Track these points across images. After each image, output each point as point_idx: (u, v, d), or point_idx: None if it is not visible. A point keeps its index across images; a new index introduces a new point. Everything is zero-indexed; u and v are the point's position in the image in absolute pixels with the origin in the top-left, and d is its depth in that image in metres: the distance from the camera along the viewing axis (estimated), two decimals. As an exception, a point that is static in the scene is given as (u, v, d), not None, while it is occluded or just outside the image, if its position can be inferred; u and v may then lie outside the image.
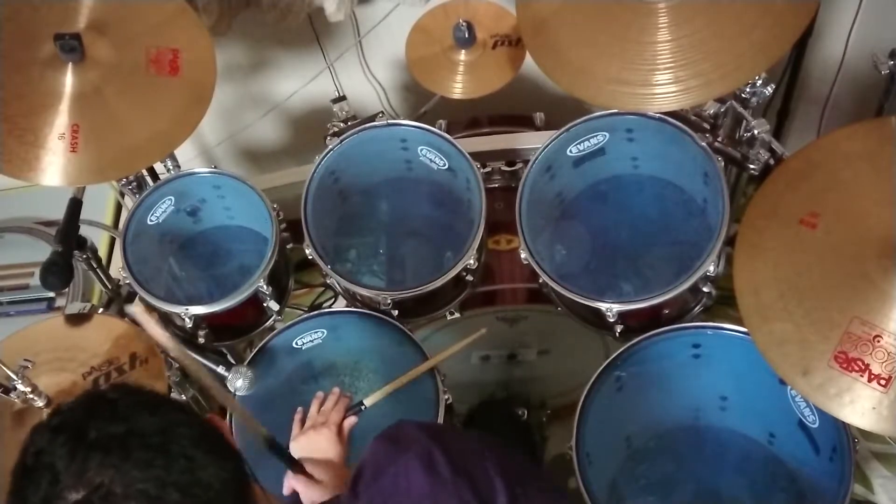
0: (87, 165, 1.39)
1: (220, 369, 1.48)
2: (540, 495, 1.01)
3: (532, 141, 1.74)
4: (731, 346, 1.41)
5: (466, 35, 1.64)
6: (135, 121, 1.42)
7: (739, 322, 1.29)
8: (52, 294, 2.05)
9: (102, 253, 1.78)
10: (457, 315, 1.65)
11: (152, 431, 0.76)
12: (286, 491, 1.18)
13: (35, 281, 2.07)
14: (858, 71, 1.99)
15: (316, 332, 1.59)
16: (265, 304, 1.61)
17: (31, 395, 1.26)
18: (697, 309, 1.54)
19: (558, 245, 1.66)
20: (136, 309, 1.24)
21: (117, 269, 1.59)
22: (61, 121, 1.38)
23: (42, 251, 1.98)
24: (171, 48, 1.45)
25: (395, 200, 1.81)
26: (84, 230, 1.55)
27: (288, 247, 1.66)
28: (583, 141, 1.58)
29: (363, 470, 0.97)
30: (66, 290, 1.98)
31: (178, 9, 1.49)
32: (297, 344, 1.58)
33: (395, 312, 1.56)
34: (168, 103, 1.44)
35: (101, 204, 2.18)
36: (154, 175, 1.74)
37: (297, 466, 1.14)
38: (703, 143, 1.48)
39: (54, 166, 1.37)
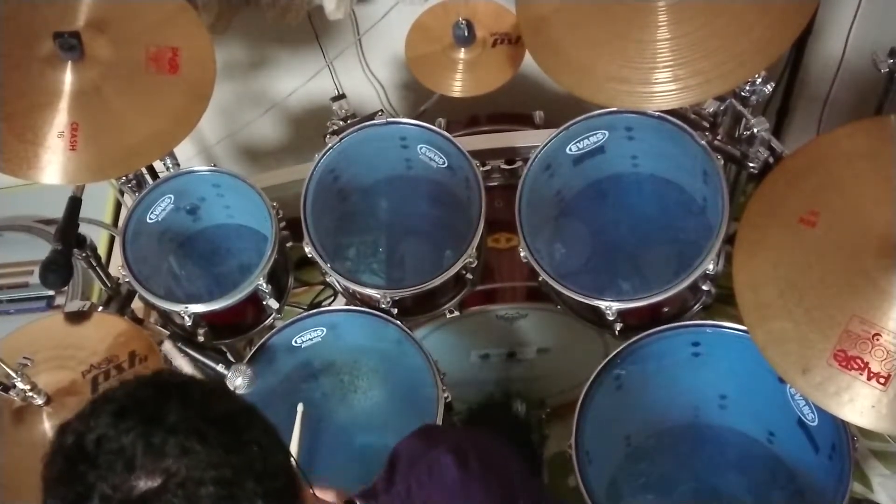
0: (86, 164, 1.39)
1: (220, 367, 1.48)
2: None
3: (531, 139, 1.74)
4: (730, 345, 1.41)
5: (466, 33, 1.64)
6: (134, 119, 1.42)
7: (739, 320, 1.29)
8: (51, 292, 2.05)
9: (102, 251, 1.79)
10: (456, 313, 1.65)
11: (225, 417, 0.74)
12: None
13: (34, 279, 2.07)
14: (858, 69, 1.99)
15: (315, 331, 1.58)
16: (265, 303, 1.61)
17: (30, 393, 1.26)
18: (697, 307, 1.54)
19: (558, 243, 1.66)
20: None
21: (117, 267, 1.59)
22: (61, 119, 1.38)
23: (41, 249, 1.97)
24: (170, 47, 1.45)
25: (394, 199, 1.81)
26: (83, 228, 1.55)
27: (287, 245, 1.66)
28: (582, 139, 1.58)
29: (397, 460, 0.99)
30: (66, 288, 1.98)
31: (178, 7, 1.49)
32: (296, 342, 1.58)
33: (395, 311, 1.56)
34: (167, 102, 1.44)
35: (100, 202, 2.18)
36: (153, 173, 1.74)
37: None
38: (703, 142, 1.48)
39: (54, 165, 1.37)
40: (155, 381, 0.76)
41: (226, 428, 0.73)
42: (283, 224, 1.62)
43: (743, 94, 1.50)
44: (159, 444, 0.69)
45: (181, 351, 1.48)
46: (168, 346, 1.46)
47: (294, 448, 1.20)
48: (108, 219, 2.16)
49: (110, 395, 0.74)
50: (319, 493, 1.12)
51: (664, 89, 1.33)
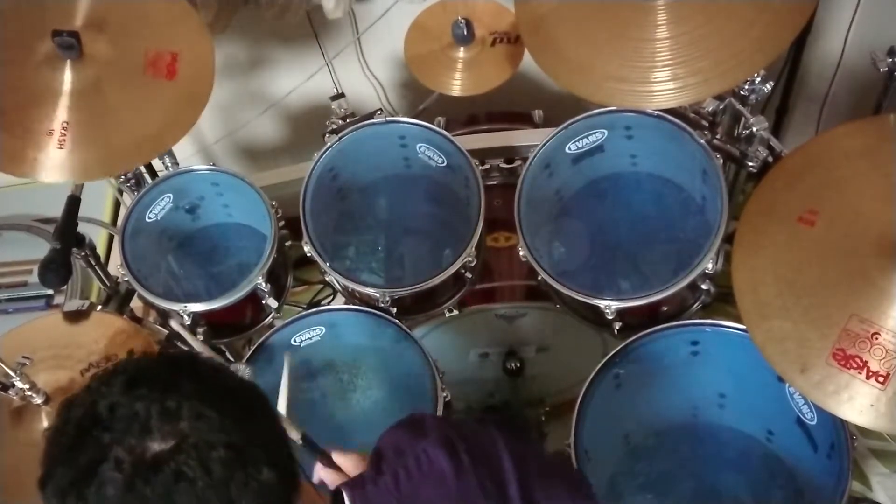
0: (81, 162, 1.38)
1: (219, 367, 1.48)
2: (553, 482, 1.02)
3: (531, 138, 1.74)
4: (729, 344, 1.41)
5: (465, 32, 1.64)
6: (129, 120, 1.41)
7: (738, 319, 1.29)
8: (50, 291, 2.05)
9: (101, 250, 1.79)
10: (455, 312, 1.65)
11: (239, 389, 0.78)
12: (315, 480, 1.19)
13: (33, 278, 2.06)
14: (857, 68, 1.99)
15: (314, 330, 1.58)
16: (264, 302, 1.61)
17: (29, 393, 1.26)
18: (696, 306, 1.54)
19: (557, 242, 1.66)
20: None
21: (116, 266, 1.59)
22: (58, 117, 1.37)
23: (40, 248, 1.97)
24: (169, 51, 1.44)
25: (393, 198, 1.81)
26: (82, 227, 1.54)
27: (287, 244, 1.66)
28: (581, 138, 1.58)
29: (384, 451, 0.99)
30: (65, 287, 1.98)
31: (180, 11, 1.48)
32: (295, 341, 1.58)
33: (394, 310, 1.56)
34: (164, 105, 1.43)
35: (99, 201, 2.17)
36: (152, 172, 1.74)
37: (326, 458, 1.16)
38: (702, 141, 1.48)
39: (49, 162, 1.37)
40: (164, 356, 0.81)
41: (236, 399, 0.76)
42: (282, 223, 1.62)
43: (742, 93, 1.50)
44: (174, 408, 0.71)
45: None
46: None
47: (283, 401, 1.23)
48: (107, 218, 2.15)
49: (119, 367, 0.76)
50: (338, 457, 1.13)
51: (663, 88, 1.33)
